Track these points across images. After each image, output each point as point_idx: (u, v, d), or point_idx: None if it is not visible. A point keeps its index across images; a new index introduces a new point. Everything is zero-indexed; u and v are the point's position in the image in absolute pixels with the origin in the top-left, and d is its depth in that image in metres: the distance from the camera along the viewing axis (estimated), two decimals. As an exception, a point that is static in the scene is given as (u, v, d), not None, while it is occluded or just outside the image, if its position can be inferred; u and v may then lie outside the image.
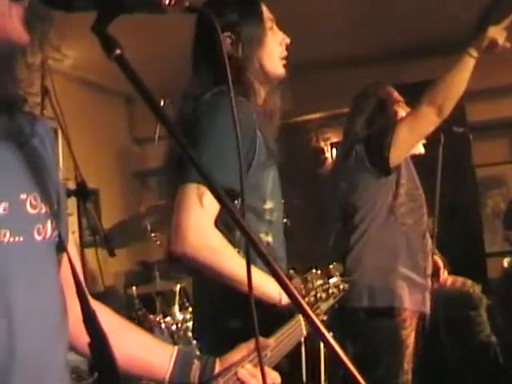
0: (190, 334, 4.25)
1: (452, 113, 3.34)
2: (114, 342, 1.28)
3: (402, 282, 3.50)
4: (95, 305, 1.43)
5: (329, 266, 2.27)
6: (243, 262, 2.07)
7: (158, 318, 4.37)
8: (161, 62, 5.87)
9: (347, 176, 3.63)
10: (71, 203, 4.05)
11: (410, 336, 3.49)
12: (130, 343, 1.59)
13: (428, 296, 3.62)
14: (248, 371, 1.65)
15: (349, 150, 3.64)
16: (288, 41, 2.41)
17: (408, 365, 3.49)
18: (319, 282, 2.16)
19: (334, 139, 7.60)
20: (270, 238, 2.27)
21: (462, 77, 3.24)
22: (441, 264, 3.92)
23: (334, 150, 7.62)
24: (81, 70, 6.37)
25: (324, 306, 2.18)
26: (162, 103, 3.83)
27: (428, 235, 3.71)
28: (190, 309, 4.46)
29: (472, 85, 3.28)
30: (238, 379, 1.63)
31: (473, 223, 6.71)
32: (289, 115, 2.50)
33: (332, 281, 2.22)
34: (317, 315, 2.08)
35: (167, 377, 1.61)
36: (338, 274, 2.28)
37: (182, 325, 4.29)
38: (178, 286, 4.57)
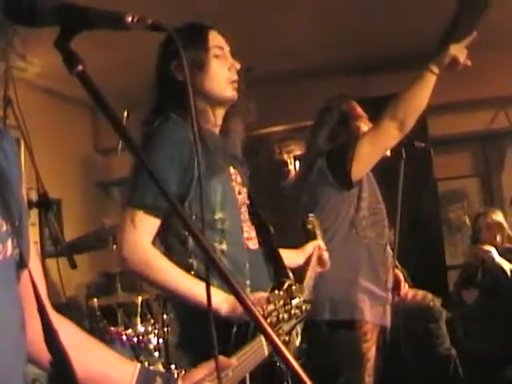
0: (151, 347, 4.23)
1: (414, 127, 3.38)
2: (77, 357, 1.28)
3: (363, 295, 3.52)
4: (58, 319, 1.42)
5: (291, 288, 2.31)
6: (177, 274, 2.26)
7: (119, 330, 4.34)
8: (126, 71, 5.86)
9: (309, 189, 3.66)
10: (33, 213, 4.02)
11: (370, 349, 3.52)
12: (93, 359, 1.56)
13: (389, 309, 3.65)
14: None
15: (311, 163, 3.67)
16: (238, 66, 2.55)
17: (369, 378, 3.51)
18: (281, 302, 2.18)
19: (298, 152, 7.62)
20: (224, 246, 2.39)
21: (423, 93, 3.29)
22: (401, 277, 3.95)
23: (298, 163, 7.64)
24: (45, 78, 6.31)
25: (286, 327, 2.20)
26: (125, 114, 3.83)
27: (389, 249, 3.74)
28: (152, 321, 4.44)
29: (434, 99, 3.33)
30: None
31: (434, 236, 6.77)
32: (252, 127, 2.57)
33: (294, 302, 2.25)
34: (278, 336, 2.09)
35: None
36: (300, 295, 2.32)
37: (143, 337, 4.26)
38: (140, 298, 4.54)
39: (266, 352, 1.97)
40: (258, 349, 1.96)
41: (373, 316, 3.52)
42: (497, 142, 7.47)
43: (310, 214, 3.15)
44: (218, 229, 2.38)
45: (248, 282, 2.40)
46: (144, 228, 2.29)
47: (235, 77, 2.54)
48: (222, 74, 2.51)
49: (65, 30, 1.13)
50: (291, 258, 2.80)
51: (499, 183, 7.53)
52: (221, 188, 2.41)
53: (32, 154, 3.92)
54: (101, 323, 4.44)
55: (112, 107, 1.14)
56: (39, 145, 4.27)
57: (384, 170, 3.67)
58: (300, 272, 2.77)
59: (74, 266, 3.69)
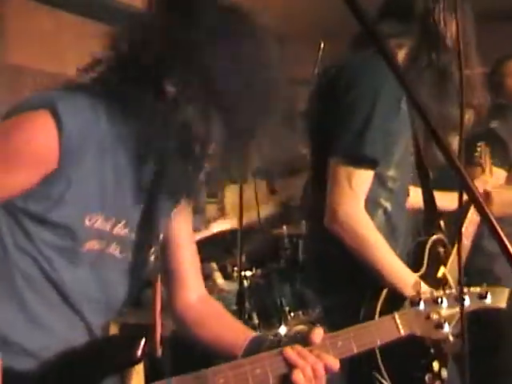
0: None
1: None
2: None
3: None
4: None
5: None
6: (385, 251, 2.16)
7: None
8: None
9: None
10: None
11: None
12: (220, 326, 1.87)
13: None
14: (296, 350, 1.59)
15: None
16: None
17: None
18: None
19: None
20: (388, 205, 2.36)
21: None
22: None
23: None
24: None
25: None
26: (321, 45, 3.66)
27: None
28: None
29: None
30: (285, 359, 1.58)
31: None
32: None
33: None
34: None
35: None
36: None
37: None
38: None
39: (402, 332, 1.80)
40: (388, 327, 1.82)
41: None
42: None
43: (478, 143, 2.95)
44: (387, 187, 2.33)
45: (400, 242, 2.38)
46: (362, 192, 2.21)
47: None
48: None
49: None
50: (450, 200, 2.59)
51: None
52: (404, 145, 2.37)
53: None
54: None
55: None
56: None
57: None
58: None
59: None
